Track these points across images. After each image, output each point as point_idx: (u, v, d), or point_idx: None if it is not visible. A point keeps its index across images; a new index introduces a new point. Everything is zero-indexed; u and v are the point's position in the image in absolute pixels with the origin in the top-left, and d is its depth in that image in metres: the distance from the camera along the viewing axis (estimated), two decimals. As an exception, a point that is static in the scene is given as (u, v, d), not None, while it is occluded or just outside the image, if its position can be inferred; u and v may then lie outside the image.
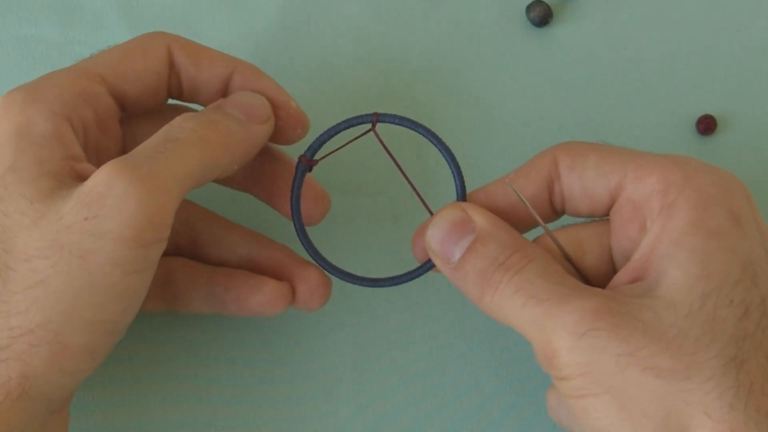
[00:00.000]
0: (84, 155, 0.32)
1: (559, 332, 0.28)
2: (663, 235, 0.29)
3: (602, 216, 0.33)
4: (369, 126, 0.34)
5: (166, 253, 0.34)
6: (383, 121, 0.34)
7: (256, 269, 0.36)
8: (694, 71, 0.46)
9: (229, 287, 0.35)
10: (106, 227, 0.28)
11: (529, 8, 0.46)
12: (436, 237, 0.32)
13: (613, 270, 0.33)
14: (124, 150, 0.35)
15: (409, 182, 0.34)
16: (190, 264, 0.37)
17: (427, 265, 0.34)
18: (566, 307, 0.28)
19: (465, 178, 0.34)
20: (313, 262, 0.35)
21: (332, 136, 0.34)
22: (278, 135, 0.35)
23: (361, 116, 0.34)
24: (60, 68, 0.34)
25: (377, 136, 0.34)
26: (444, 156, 0.34)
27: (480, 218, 0.32)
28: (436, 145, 0.34)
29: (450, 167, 0.34)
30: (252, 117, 0.34)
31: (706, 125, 0.45)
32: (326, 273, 0.35)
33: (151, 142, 0.31)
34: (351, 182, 0.42)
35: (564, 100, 0.45)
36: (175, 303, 0.37)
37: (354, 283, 0.34)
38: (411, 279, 0.34)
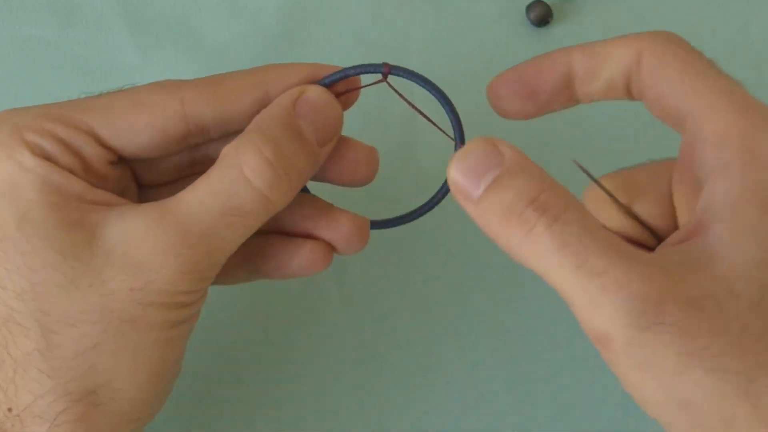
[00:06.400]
0: (87, 183, 0.30)
1: (619, 321, 0.25)
2: (717, 196, 0.26)
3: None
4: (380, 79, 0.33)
5: None
6: (395, 74, 0.32)
7: (288, 229, 0.34)
8: (694, 71, 0.46)
9: (266, 256, 0.34)
10: (153, 298, 0.28)
11: (529, 8, 0.46)
12: (460, 168, 0.28)
13: (672, 220, 0.30)
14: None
15: (431, 121, 0.32)
16: None
17: (443, 191, 0.33)
18: (627, 290, 0.25)
19: None
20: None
21: (340, 79, 0.33)
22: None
23: (372, 65, 0.32)
24: (46, 103, 0.31)
25: (390, 86, 0.33)
26: (450, 118, 0.33)
27: (509, 151, 0.28)
28: (442, 104, 0.32)
29: (451, 122, 0.33)
30: (324, 136, 0.32)
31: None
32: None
33: (210, 205, 0.29)
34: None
35: (564, 100, 0.45)
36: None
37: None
38: (426, 211, 0.34)
